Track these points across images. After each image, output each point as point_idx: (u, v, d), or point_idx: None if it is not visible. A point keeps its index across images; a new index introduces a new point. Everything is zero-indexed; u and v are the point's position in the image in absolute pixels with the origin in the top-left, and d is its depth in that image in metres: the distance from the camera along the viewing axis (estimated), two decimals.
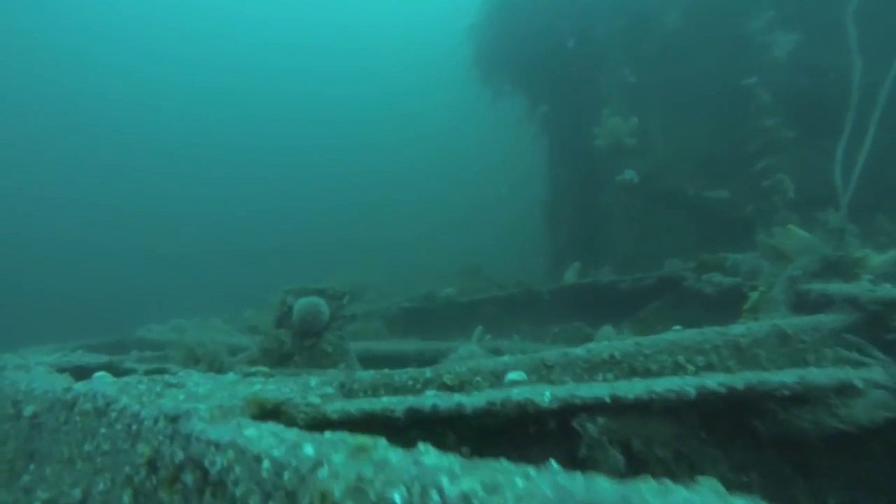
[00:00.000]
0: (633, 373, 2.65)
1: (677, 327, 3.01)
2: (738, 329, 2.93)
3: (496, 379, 2.42)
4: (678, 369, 2.75)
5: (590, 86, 8.06)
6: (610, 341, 2.76)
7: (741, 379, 1.63)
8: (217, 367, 2.62)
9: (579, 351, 2.63)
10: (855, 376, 1.65)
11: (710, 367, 2.80)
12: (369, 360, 4.80)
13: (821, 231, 4.34)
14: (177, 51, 32.06)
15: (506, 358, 2.52)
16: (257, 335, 3.20)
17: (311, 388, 1.59)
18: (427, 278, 8.24)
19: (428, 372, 2.37)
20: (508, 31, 9.57)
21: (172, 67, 31.70)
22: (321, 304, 3.10)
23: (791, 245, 3.87)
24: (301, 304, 3.10)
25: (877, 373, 1.71)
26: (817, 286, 3.51)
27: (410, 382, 2.34)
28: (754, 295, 3.85)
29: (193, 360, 2.59)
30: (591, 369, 2.59)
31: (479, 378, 2.40)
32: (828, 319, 3.14)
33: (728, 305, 4.61)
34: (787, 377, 1.64)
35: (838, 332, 3.09)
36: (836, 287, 3.40)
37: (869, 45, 6.38)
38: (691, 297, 5.19)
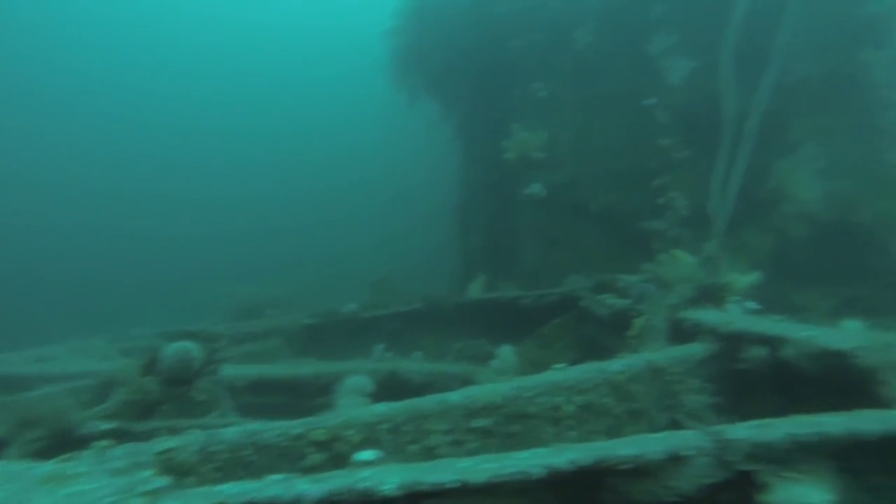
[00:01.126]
0: (511, 418, 2.69)
1: (560, 365, 3.08)
2: (616, 365, 3.05)
3: (370, 431, 2.37)
4: (556, 411, 2.82)
5: (503, 96, 8.16)
6: (492, 384, 2.79)
7: (590, 454, 1.66)
8: (62, 430, 2.41)
9: (456, 397, 2.63)
10: (682, 445, 1.72)
11: (588, 407, 2.91)
12: (262, 388, 4.63)
13: (701, 255, 4.58)
14: None
15: (382, 407, 2.47)
16: (119, 385, 2.97)
17: (138, 483, 1.46)
18: (336, 290, 8.09)
19: (298, 427, 2.28)
20: (424, 36, 9.52)
21: None
22: (193, 349, 2.95)
23: (671, 273, 4.07)
24: (171, 349, 2.93)
25: (701, 438, 1.80)
26: (690, 315, 3.70)
27: (278, 440, 2.25)
28: (639, 322, 4.02)
29: (26, 425, 2.34)
30: (469, 416, 2.60)
31: (351, 432, 2.34)
32: (695, 350, 3.32)
33: (619, 327, 4.81)
34: (627, 449, 1.69)
35: (704, 361, 3.29)
36: (705, 316, 3.61)
37: (750, 74, 6.77)
38: (589, 316, 5.37)
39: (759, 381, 3.07)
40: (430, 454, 2.49)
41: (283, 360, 5.56)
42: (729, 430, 1.81)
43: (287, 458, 2.20)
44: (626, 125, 7.54)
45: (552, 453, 1.69)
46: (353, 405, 3.47)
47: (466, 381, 5.37)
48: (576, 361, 5.51)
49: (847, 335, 2.81)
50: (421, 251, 12.71)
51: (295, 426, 2.28)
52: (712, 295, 4.12)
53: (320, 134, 23.59)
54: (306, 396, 4.68)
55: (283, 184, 23.28)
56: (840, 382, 2.60)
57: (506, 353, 5.58)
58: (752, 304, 4.96)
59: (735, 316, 3.43)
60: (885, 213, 7.42)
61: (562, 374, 2.91)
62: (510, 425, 2.66)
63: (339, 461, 2.18)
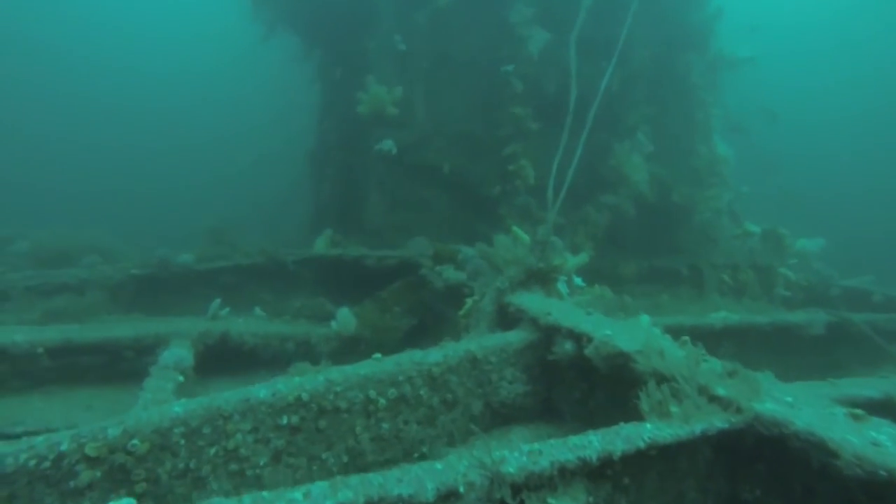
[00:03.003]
0: (321, 413, 2.65)
1: (377, 355, 3.08)
2: (433, 357, 3.11)
3: (162, 438, 2.18)
4: (369, 404, 2.83)
5: (362, 44, 7.76)
6: (301, 378, 2.70)
7: (362, 491, 1.66)
8: None
9: (263, 394, 2.52)
10: (454, 482, 1.78)
11: (402, 399, 2.95)
12: (68, 353, 4.16)
13: (534, 237, 4.79)
14: None
15: (177, 407, 2.29)
16: None
17: None
18: (170, 238, 7.38)
19: (65, 443, 2.00)
20: None
21: None
22: None
23: (504, 254, 4.21)
24: None
25: (473, 472, 1.88)
26: (516, 300, 3.88)
27: (32, 463, 1.94)
28: (469, 302, 4.13)
29: None
30: (275, 414, 2.51)
31: (136, 442, 2.14)
32: (514, 338, 3.49)
33: (455, 298, 4.94)
34: (402, 488, 1.71)
35: (521, 351, 3.48)
36: (528, 302, 3.81)
37: (598, 57, 7.01)
38: (428, 284, 5.46)
39: (567, 370, 3.32)
40: (231, 457, 2.38)
41: (103, 317, 5.01)
42: (501, 462, 1.88)
43: (47, 481, 1.95)
44: (482, 90, 7.57)
45: (324, 491, 1.66)
46: (162, 388, 3.20)
47: (302, 344, 5.30)
48: (413, 327, 5.71)
49: (637, 334, 3.08)
50: (277, 192, 12.01)
51: (61, 441, 2.00)
52: (541, 277, 4.36)
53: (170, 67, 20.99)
54: (124, 362, 4.31)
55: (123, 113, 20.54)
56: (625, 381, 2.87)
57: (344, 314, 5.53)
58: (578, 281, 5.36)
59: (553, 306, 3.63)
60: (690, 197, 8.34)
61: (377, 365, 2.91)
62: (319, 420, 2.63)
63: (118, 480, 2.00)
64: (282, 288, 6.32)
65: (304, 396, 2.56)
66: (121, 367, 4.29)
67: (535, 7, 7.44)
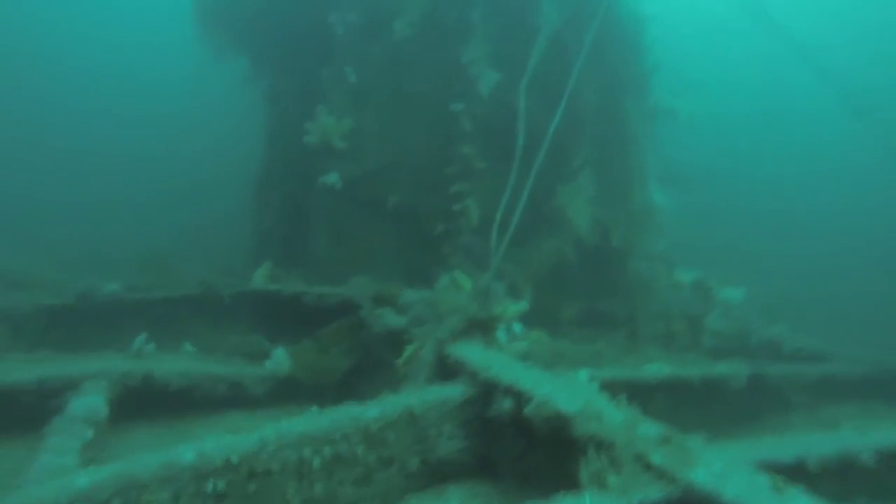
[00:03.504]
0: (251, 477, 2.52)
1: (314, 408, 2.98)
2: (372, 412, 3.02)
3: None
4: (303, 464, 2.71)
5: (314, 72, 7.68)
6: (233, 436, 2.57)
7: None
8: None
9: (189, 456, 2.36)
10: None
11: (338, 458, 2.85)
12: None
13: (476, 283, 4.80)
14: None
15: (81, 479, 2.09)
16: None
17: None
18: (100, 260, 6.96)
19: None
20: None
21: None
22: None
23: (444, 303, 4.20)
24: None
25: None
26: (456, 351, 3.86)
27: None
28: (409, 349, 4.07)
29: None
30: (199, 479, 2.36)
31: None
32: (454, 392, 3.46)
33: (394, 345, 4.86)
34: None
35: (460, 406, 3.44)
36: (468, 354, 3.80)
37: (546, 98, 7.18)
38: (366, 326, 5.35)
39: (505, 427, 3.30)
40: None
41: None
42: None
43: None
44: (432, 127, 7.60)
45: None
46: (67, 447, 2.96)
47: (234, 385, 5.07)
48: (351, 369, 5.58)
49: (576, 393, 3.11)
50: (220, 215, 11.56)
51: None
52: (482, 326, 4.36)
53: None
54: (20, 411, 3.87)
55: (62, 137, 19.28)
56: (564, 441, 2.88)
57: (279, 355, 5.36)
58: (517, 327, 5.39)
59: (494, 360, 3.63)
60: (628, 240, 8.62)
61: (313, 422, 2.80)
62: (248, 484, 2.49)
63: None
64: (217, 322, 6.06)
65: (234, 459, 2.42)
66: (17, 417, 3.69)
67: (488, 47, 7.58)
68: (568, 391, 3.13)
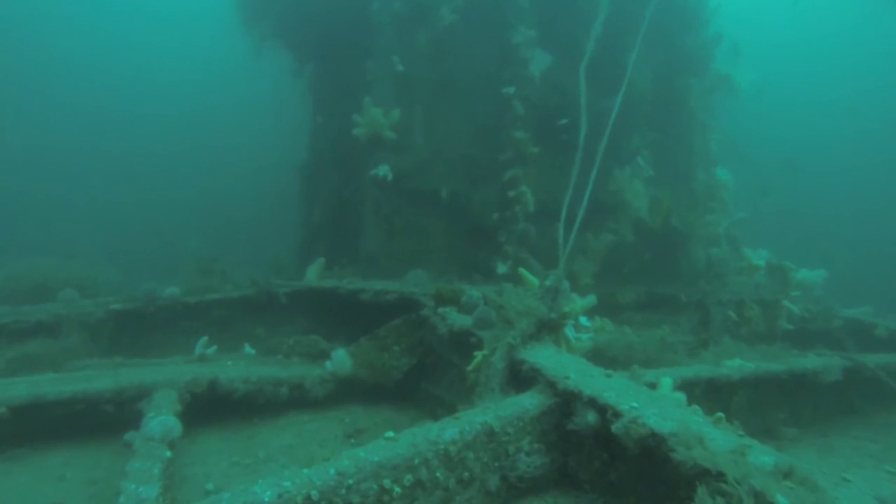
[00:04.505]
0: None
1: (389, 434, 2.83)
2: (449, 433, 2.86)
3: None
4: (383, 493, 2.58)
5: (359, 63, 7.51)
6: (310, 470, 2.44)
7: None
8: None
9: (268, 496, 2.24)
10: None
11: (418, 484, 2.71)
12: (37, 410, 3.84)
13: (543, 280, 4.58)
14: None
15: None
16: None
17: None
18: (153, 262, 7.04)
19: None
20: None
21: None
22: None
23: (513, 306, 4.00)
24: None
25: None
26: (529, 358, 3.67)
27: None
28: (478, 356, 3.91)
29: None
30: None
31: None
32: (530, 404, 3.27)
33: (458, 345, 4.71)
34: None
35: (538, 417, 3.26)
36: (543, 360, 3.60)
37: (601, 81, 6.79)
38: (428, 324, 5.21)
39: (586, 439, 3.11)
40: None
41: (79, 362, 4.65)
42: None
43: None
44: (482, 113, 7.35)
45: None
46: (148, 472, 2.92)
47: (296, 388, 5.03)
48: (412, 367, 5.46)
49: (665, 406, 2.89)
50: (262, 216, 11.61)
51: None
52: (552, 326, 4.16)
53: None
54: (102, 418, 3.98)
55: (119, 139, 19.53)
56: (654, 459, 2.67)
57: (340, 355, 5.28)
58: (584, 320, 5.16)
59: (571, 366, 3.43)
60: (689, 222, 8.22)
61: (390, 449, 2.66)
62: None
63: None
64: (274, 322, 6.04)
65: (314, 495, 2.30)
66: (99, 422, 3.94)
67: (538, 29, 7.25)
68: (656, 405, 2.91)
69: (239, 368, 4.80)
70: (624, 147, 7.79)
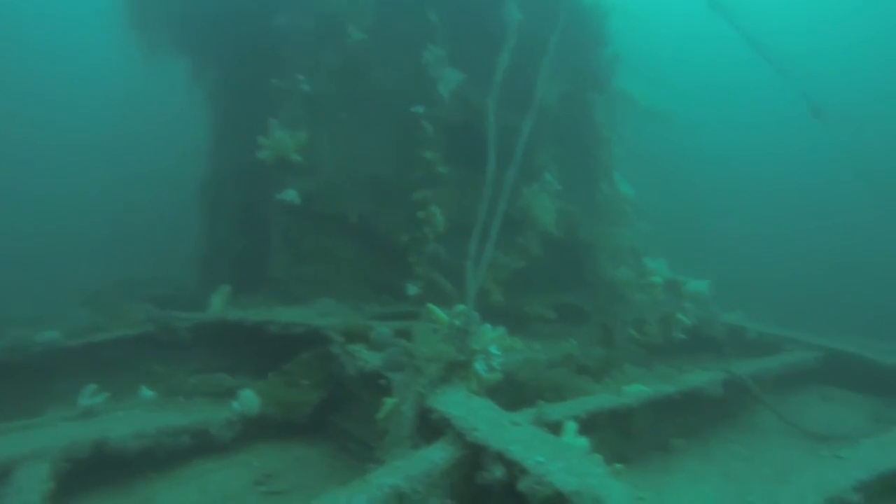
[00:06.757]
0: None
1: None
2: (358, 500, 2.83)
3: None
4: None
5: (262, 80, 7.19)
6: None
7: None
8: None
9: None
10: None
11: None
12: None
13: (453, 318, 4.61)
14: None
15: None
16: None
17: None
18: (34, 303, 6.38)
19: None
20: None
21: None
22: None
23: (422, 351, 4.00)
24: None
25: None
26: (439, 405, 3.68)
27: None
28: (388, 403, 3.87)
29: None
30: None
31: None
32: (440, 458, 3.28)
33: (368, 384, 4.65)
34: None
35: (447, 472, 3.28)
36: (452, 408, 3.62)
37: (511, 98, 6.87)
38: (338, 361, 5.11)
39: (498, 494, 3.16)
40: None
41: None
42: None
43: None
44: (391, 134, 7.27)
45: None
46: None
47: (200, 434, 4.78)
48: (323, 401, 5.34)
49: (570, 459, 2.99)
50: (158, 235, 10.86)
51: None
52: (461, 367, 4.19)
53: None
54: None
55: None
56: None
57: (248, 396, 5.08)
58: (494, 350, 5.22)
59: (480, 415, 3.47)
60: (596, 234, 8.57)
61: None
62: None
63: None
64: (174, 358, 5.69)
65: None
66: None
67: (449, 46, 7.24)
68: (561, 458, 3.01)
69: (133, 420, 4.47)
70: (532, 162, 7.97)
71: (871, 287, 12.98)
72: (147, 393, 5.25)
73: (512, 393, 5.19)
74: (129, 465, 4.25)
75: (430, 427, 3.65)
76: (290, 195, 6.50)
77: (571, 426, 3.73)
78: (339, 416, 5.26)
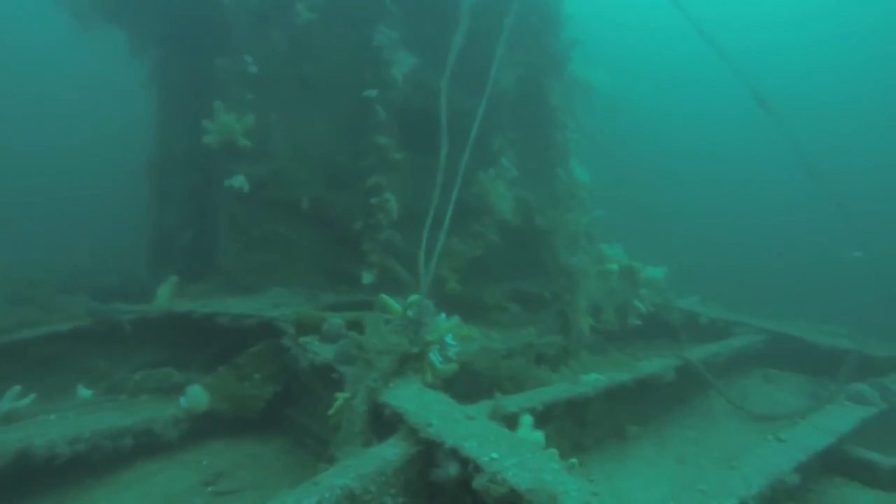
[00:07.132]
0: None
1: None
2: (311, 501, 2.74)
3: None
4: None
5: (208, 61, 6.84)
6: None
7: None
8: None
9: None
10: None
11: None
12: None
13: (405, 308, 4.51)
14: None
15: None
16: None
17: None
18: None
19: None
20: None
21: None
22: None
23: (374, 344, 3.89)
24: None
25: None
26: (392, 399, 3.59)
27: None
28: (340, 399, 3.76)
29: None
30: None
31: None
32: (393, 455, 3.19)
33: (321, 376, 4.52)
34: None
35: (401, 469, 3.20)
36: (405, 403, 3.54)
37: (465, 83, 6.72)
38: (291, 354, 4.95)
39: (452, 490, 3.10)
40: None
41: None
42: None
43: None
44: (343, 118, 7.04)
45: None
46: None
47: (143, 434, 4.56)
48: (276, 395, 5.19)
49: (525, 455, 2.95)
50: (100, 217, 10.32)
51: None
52: (414, 359, 4.10)
53: None
54: None
55: None
56: None
57: (195, 392, 4.87)
58: (450, 339, 5.15)
59: (433, 409, 3.40)
60: (553, 219, 8.59)
61: None
62: None
63: None
64: (117, 354, 5.41)
65: None
66: None
67: (402, 29, 7.04)
68: (516, 454, 2.97)
69: (66, 423, 4.21)
70: (488, 148, 7.89)
71: (814, 273, 13.54)
72: (85, 392, 4.97)
73: (468, 383, 5.16)
74: (61, 473, 3.99)
75: (383, 423, 3.56)
76: (238, 181, 6.25)
77: (527, 419, 3.70)
78: (294, 410, 5.12)
